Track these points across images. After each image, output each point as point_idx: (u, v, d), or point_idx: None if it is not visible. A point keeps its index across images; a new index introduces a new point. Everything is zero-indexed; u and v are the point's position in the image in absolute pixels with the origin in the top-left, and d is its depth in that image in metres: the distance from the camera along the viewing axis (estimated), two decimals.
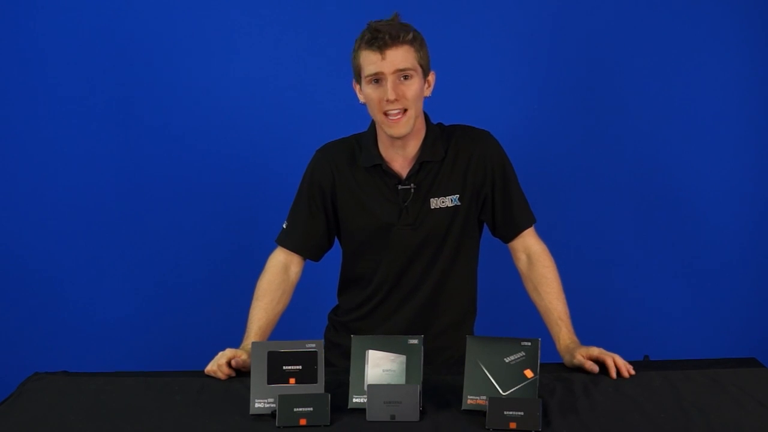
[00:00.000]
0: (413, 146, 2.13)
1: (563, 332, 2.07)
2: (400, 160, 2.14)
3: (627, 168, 2.95)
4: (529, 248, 2.19)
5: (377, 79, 2.01)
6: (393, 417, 1.72)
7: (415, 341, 1.81)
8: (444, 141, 2.15)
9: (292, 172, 2.94)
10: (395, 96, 2.00)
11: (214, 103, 2.97)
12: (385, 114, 2.03)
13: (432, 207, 2.12)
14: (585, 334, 2.96)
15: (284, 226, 2.23)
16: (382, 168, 2.14)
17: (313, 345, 1.79)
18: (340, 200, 2.17)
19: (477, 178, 2.14)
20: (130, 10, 2.92)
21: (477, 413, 1.73)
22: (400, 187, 2.13)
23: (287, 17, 2.94)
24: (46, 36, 2.93)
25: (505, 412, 1.68)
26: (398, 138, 2.07)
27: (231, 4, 2.94)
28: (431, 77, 2.11)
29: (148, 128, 2.98)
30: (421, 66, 2.05)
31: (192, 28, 2.94)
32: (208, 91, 2.96)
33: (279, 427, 1.71)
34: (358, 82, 2.08)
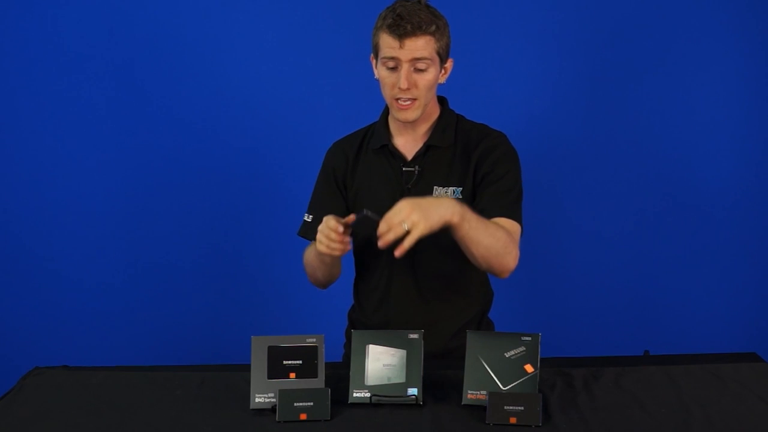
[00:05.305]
0: (423, 128, 2.13)
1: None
2: (410, 139, 2.13)
3: (628, 164, 2.94)
4: None
5: (393, 65, 2.00)
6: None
7: (416, 336, 1.81)
8: (457, 131, 2.13)
9: (294, 170, 2.97)
10: (408, 85, 1.98)
11: (214, 102, 2.96)
12: (395, 99, 2.03)
13: (434, 195, 2.07)
14: (586, 330, 2.99)
15: (308, 219, 2.17)
16: (388, 149, 2.12)
17: (314, 339, 1.80)
18: (350, 186, 2.16)
19: (478, 171, 2.09)
20: (135, 6, 2.92)
21: (477, 408, 1.73)
22: (404, 168, 2.11)
23: (294, 16, 2.93)
24: (48, 35, 2.93)
25: (505, 407, 1.68)
26: (405, 122, 2.08)
27: (235, 3, 2.93)
28: (449, 64, 2.08)
29: (148, 127, 2.97)
30: (440, 55, 2.03)
31: (195, 26, 2.93)
32: (209, 90, 2.96)
33: (279, 421, 1.71)
34: (375, 58, 2.07)
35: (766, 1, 2.86)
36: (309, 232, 2.15)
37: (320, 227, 1.91)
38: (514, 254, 1.97)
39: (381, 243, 1.80)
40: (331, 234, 1.89)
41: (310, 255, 2.13)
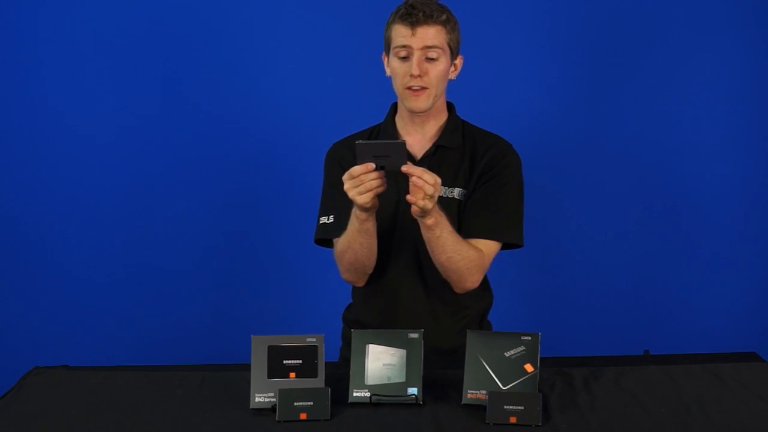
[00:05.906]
0: (432, 126, 2.13)
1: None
2: (418, 138, 2.13)
3: (628, 163, 2.94)
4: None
5: (405, 54, 2.03)
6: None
7: (416, 335, 1.81)
8: (464, 134, 2.15)
9: (293, 172, 2.96)
10: (419, 72, 2.01)
11: (216, 102, 2.96)
12: (407, 88, 2.04)
13: (441, 194, 2.06)
14: (586, 330, 2.98)
15: (327, 221, 2.14)
16: None
17: (314, 339, 1.80)
18: None
19: (482, 176, 2.11)
20: (138, 5, 2.92)
21: (477, 407, 1.73)
22: None
23: (297, 18, 2.93)
24: (53, 35, 2.93)
25: (505, 407, 1.68)
26: (417, 113, 2.08)
27: (240, 3, 2.93)
28: (459, 61, 2.11)
29: (149, 126, 2.98)
30: (450, 48, 2.06)
31: (195, 26, 2.94)
32: (210, 90, 2.96)
33: (279, 421, 1.71)
34: (387, 53, 2.09)
35: (766, 1, 2.87)
36: (337, 231, 2.09)
37: (347, 186, 1.86)
38: (475, 279, 2.07)
39: (406, 168, 1.83)
40: (358, 170, 1.84)
41: (347, 238, 2.05)
